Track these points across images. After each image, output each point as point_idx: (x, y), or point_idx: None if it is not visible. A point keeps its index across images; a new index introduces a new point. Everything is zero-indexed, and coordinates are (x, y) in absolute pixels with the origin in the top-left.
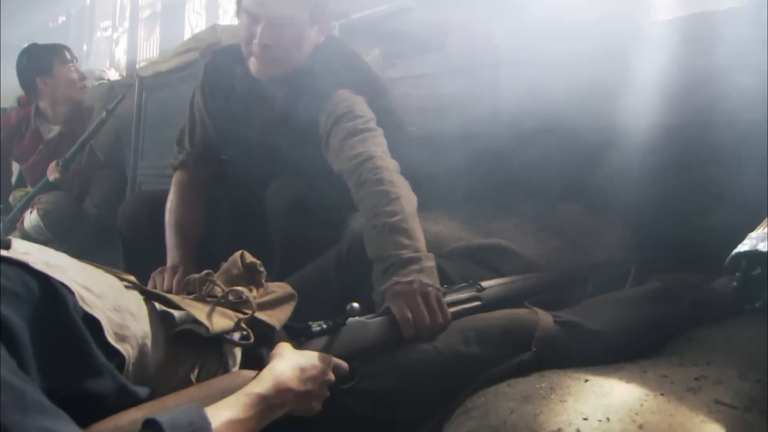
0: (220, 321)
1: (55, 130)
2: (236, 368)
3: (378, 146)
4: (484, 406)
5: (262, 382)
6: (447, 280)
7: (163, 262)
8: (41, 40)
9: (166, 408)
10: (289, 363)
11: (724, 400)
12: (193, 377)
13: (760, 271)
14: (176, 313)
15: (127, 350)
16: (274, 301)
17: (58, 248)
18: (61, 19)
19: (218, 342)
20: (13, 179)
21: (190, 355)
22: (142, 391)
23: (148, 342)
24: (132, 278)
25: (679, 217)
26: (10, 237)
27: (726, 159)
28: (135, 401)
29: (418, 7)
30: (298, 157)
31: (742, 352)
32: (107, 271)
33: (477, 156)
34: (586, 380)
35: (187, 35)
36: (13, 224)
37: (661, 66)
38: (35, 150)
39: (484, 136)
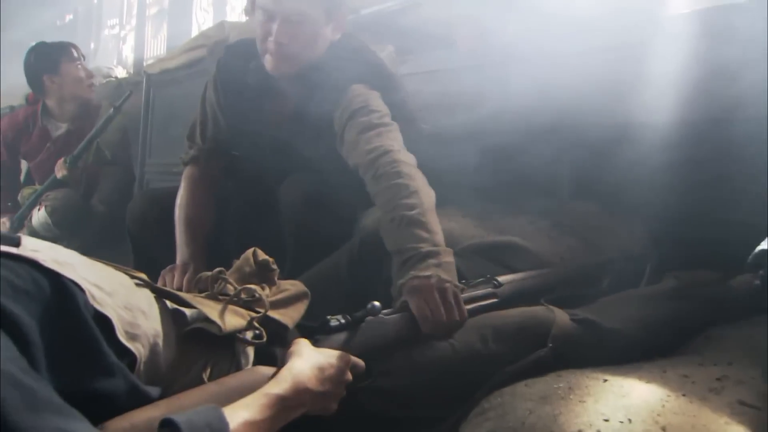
0: (233, 320)
1: (63, 127)
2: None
3: (394, 141)
4: (501, 407)
5: (281, 382)
6: (460, 278)
7: (173, 260)
8: (49, 38)
9: (182, 406)
10: (308, 362)
11: (747, 401)
12: (205, 377)
13: None
14: (188, 312)
15: (139, 349)
16: (287, 299)
17: (66, 245)
18: (69, 17)
19: (231, 341)
20: (21, 177)
21: (202, 355)
22: (154, 391)
23: (160, 341)
24: (142, 275)
25: (695, 214)
26: (19, 234)
27: (743, 154)
28: (146, 401)
29: (428, 2)
30: (312, 153)
31: (762, 351)
32: (117, 268)
33: (487, 153)
34: (605, 380)
35: (195, 32)
36: (22, 222)
37: (677, 61)
38: (43, 148)
39: (495, 133)
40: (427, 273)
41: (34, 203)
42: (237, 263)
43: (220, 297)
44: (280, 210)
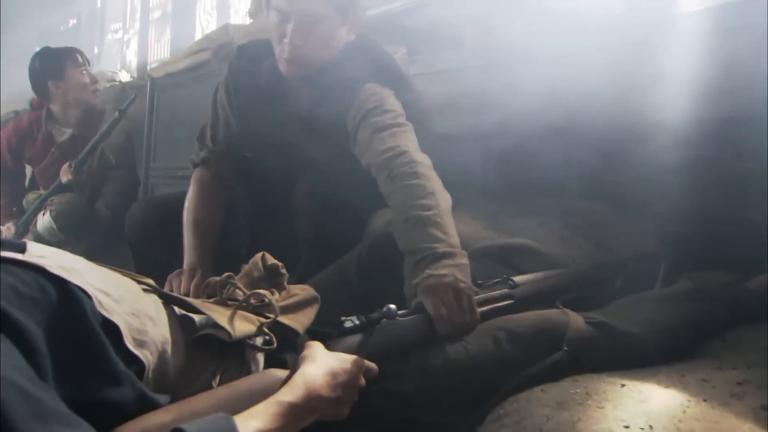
0: (242, 325)
1: (67, 132)
2: None
3: (410, 141)
4: (517, 413)
5: (293, 389)
6: (472, 281)
7: (173, 268)
8: (52, 43)
9: (194, 410)
10: (321, 368)
11: None
12: (214, 384)
13: None
14: (196, 318)
15: (147, 356)
16: (296, 304)
17: (71, 250)
18: (72, 21)
19: (240, 347)
20: (26, 182)
21: (211, 361)
22: (163, 398)
23: (168, 348)
24: (150, 281)
25: (709, 214)
26: (24, 240)
27: (758, 153)
28: (155, 409)
29: (435, 3)
30: (324, 155)
31: None
32: (124, 274)
33: (495, 153)
34: (623, 385)
35: (198, 36)
36: (27, 227)
37: (688, 59)
38: (47, 153)
39: (503, 133)
40: (443, 272)
41: (39, 208)
42: (246, 268)
43: (229, 302)
44: (292, 213)
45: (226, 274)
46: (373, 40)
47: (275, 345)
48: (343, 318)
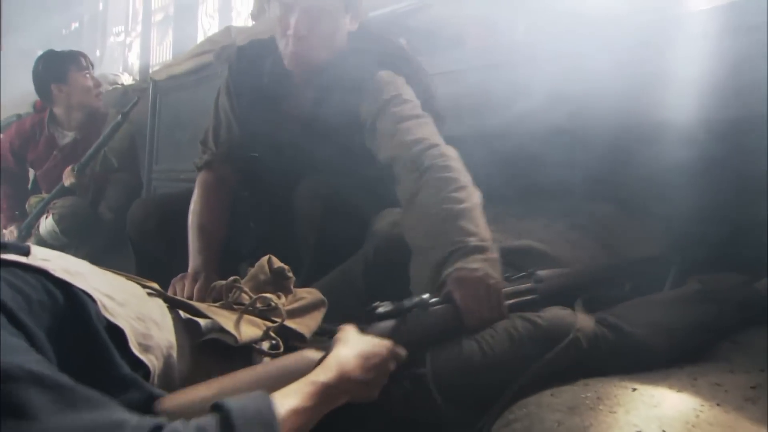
0: (249, 330)
1: (70, 136)
2: None
3: (435, 134)
4: (527, 418)
5: (327, 370)
6: None
7: (174, 266)
8: (55, 46)
9: (235, 386)
10: (353, 350)
11: None
12: None
13: None
14: (202, 322)
15: (152, 361)
16: (303, 308)
17: (74, 253)
18: (74, 24)
19: (247, 352)
20: (29, 186)
21: (217, 366)
22: None
23: (174, 353)
24: (154, 285)
25: (718, 215)
26: (28, 244)
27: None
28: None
29: (437, 3)
30: (330, 152)
31: None
32: (128, 277)
33: (500, 155)
34: (634, 389)
35: (200, 38)
36: (29, 230)
37: (696, 58)
38: (49, 156)
39: (508, 134)
40: (475, 266)
41: (42, 211)
42: (252, 271)
43: (235, 306)
44: (295, 214)
45: (231, 278)
46: (376, 30)
47: (282, 349)
48: (375, 303)
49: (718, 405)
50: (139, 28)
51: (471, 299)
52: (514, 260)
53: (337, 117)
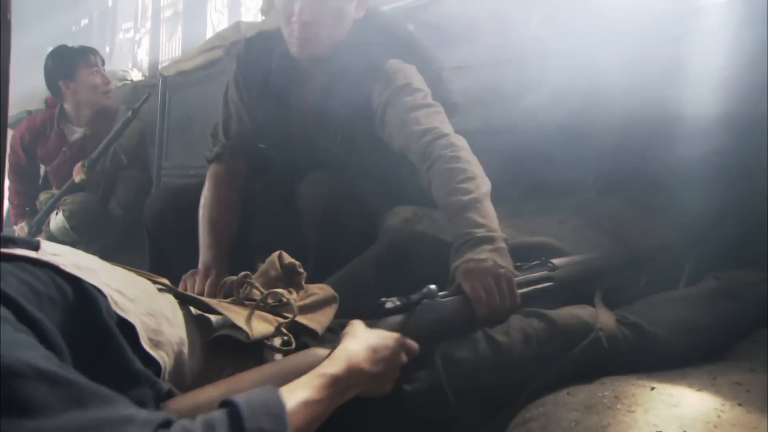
0: (260, 326)
1: (79, 132)
2: None
3: (445, 123)
4: (544, 417)
5: (335, 363)
6: None
7: (191, 258)
8: (65, 43)
9: (243, 386)
10: (362, 343)
11: None
12: None
13: None
14: (213, 318)
15: (163, 358)
16: (315, 303)
17: (84, 250)
18: (84, 21)
19: (258, 348)
20: (39, 182)
21: (228, 363)
22: None
23: (185, 349)
24: (165, 281)
25: (734, 211)
26: (38, 238)
27: None
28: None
29: None
30: (342, 145)
31: None
32: (139, 273)
33: (513, 151)
34: (653, 388)
35: (209, 35)
36: (40, 227)
37: (711, 53)
38: (59, 152)
39: (520, 130)
40: (483, 257)
41: (52, 207)
42: (262, 267)
43: (246, 302)
44: (300, 209)
45: (242, 273)
46: (384, 15)
47: (294, 346)
48: (383, 299)
49: (739, 405)
50: (148, 24)
51: (481, 290)
52: (528, 256)
53: (346, 107)
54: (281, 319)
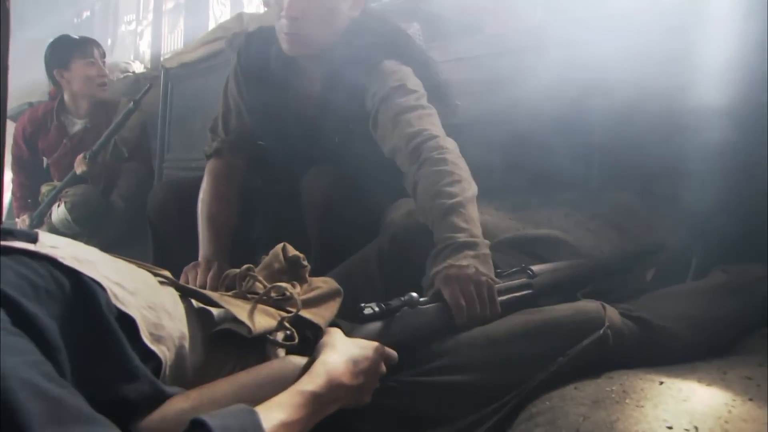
0: (263, 320)
1: (80, 124)
2: None
3: (436, 125)
4: (551, 411)
5: (315, 378)
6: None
7: (194, 252)
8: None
9: (214, 397)
10: (342, 355)
11: None
12: None
13: None
14: (215, 312)
15: (164, 352)
16: (318, 297)
17: (86, 243)
18: (86, 13)
19: (261, 343)
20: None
21: (230, 357)
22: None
23: (186, 343)
24: (167, 273)
25: (741, 204)
26: (36, 230)
27: None
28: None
29: None
30: (341, 141)
31: None
32: (140, 266)
33: (517, 143)
34: (661, 382)
35: (212, 27)
36: (41, 219)
37: (719, 42)
38: (60, 144)
39: (524, 122)
40: (464, 263)
41: (54, 200)
42: (266, 260)
43: (249, 296)
44: (303, 203)
45: (245, 266)
46: (381, 15)
47: (297, 340)
48: (362, 305)
49: (750, 400)
50: (150, 16)
51: (461, 297)
52: (534, 249)
53: (344, 105)
54: (284, 314)
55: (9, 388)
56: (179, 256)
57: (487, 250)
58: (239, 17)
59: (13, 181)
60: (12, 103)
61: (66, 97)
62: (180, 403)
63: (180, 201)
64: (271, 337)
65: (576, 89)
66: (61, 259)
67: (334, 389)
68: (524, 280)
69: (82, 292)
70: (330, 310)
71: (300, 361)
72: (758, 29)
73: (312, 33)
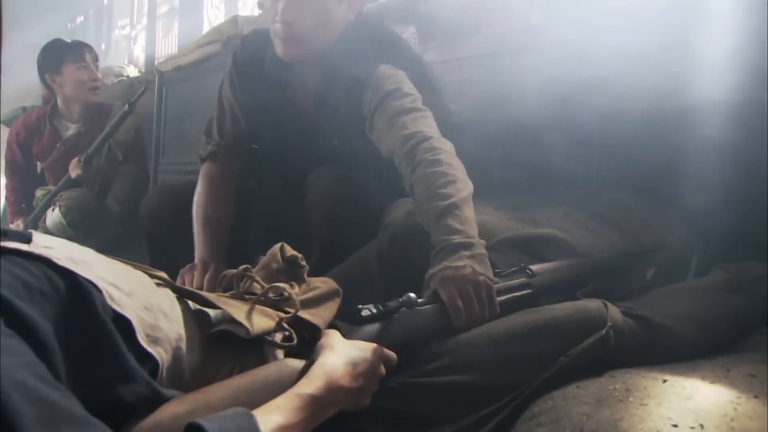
0: (261, 321)
1: (73, 128)
2: None
3: (431, 127)
4: (553, 411)
5: (313, 381)
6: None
7: (190, 257)
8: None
9: (209, 401)
10: (341, 358)
11: None
12: None
13: None
14: (212, 313)
15: (161, 354)
16: (317, 298)
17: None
18: (80, 18)
19: (259, 344)
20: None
21: (228, 359)
22: (178, 396)
23: (183, 345)
24: (163, 275)
25: (742, 203)
26: (30, 231)
27: None
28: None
29: None
30: (337, 142)
31: None
32: (136, 267)
33: (515, 142)
34: (665, 380)
35: (206, 30)
36: (36, 223)
37: (718, 40)
38: (54, 148)
39: (522, 121)
40: (461, 264)
41: (48, 203)
42: (263, 260)
43: (247, 296)
44: (305, 205)
45: (243, 267)
46: (377, 20)
47: (295, 341)
48: (360, 306)
49: (755, 397)
50: (144, 20)
51: (458, 298)
52: (533, 248)
53: (341, 108)
54: (282, 314)
55: (2, 389)
56: (176, 260)
57: (483, 250)
58: (234, 20)
59: (7, 186)
60: (6, 108)
61: (59, 101)
62: (175, 408)
63: (174, 206)
64: (270, 338)
65: (575, 88)
66: (55, 260)
67: (333, 392)
68: (523, 279)
69: (77, 292)
70: (329, 310)
71: (297, 363)
72: (758, 27)
73: (307, 38)
